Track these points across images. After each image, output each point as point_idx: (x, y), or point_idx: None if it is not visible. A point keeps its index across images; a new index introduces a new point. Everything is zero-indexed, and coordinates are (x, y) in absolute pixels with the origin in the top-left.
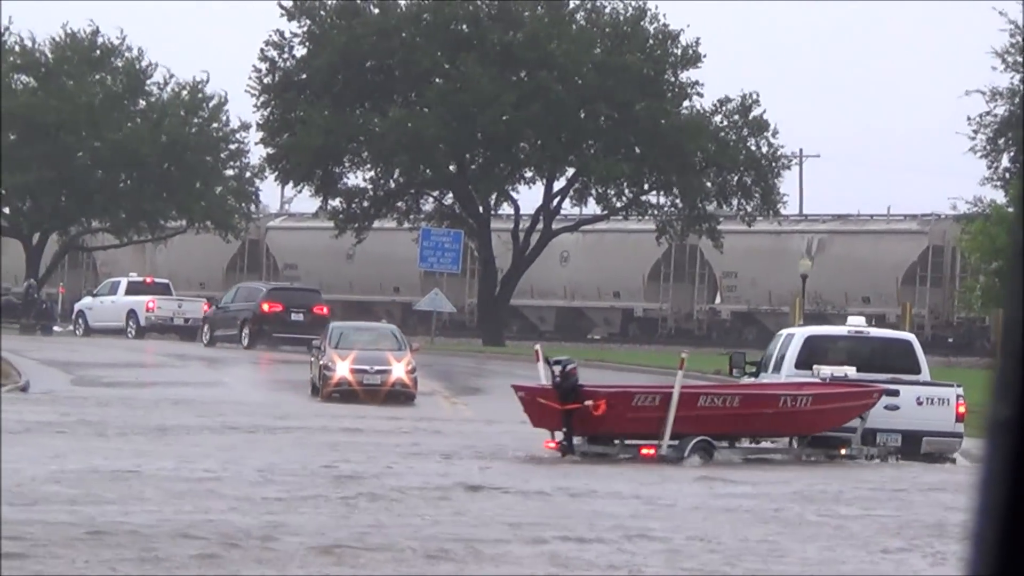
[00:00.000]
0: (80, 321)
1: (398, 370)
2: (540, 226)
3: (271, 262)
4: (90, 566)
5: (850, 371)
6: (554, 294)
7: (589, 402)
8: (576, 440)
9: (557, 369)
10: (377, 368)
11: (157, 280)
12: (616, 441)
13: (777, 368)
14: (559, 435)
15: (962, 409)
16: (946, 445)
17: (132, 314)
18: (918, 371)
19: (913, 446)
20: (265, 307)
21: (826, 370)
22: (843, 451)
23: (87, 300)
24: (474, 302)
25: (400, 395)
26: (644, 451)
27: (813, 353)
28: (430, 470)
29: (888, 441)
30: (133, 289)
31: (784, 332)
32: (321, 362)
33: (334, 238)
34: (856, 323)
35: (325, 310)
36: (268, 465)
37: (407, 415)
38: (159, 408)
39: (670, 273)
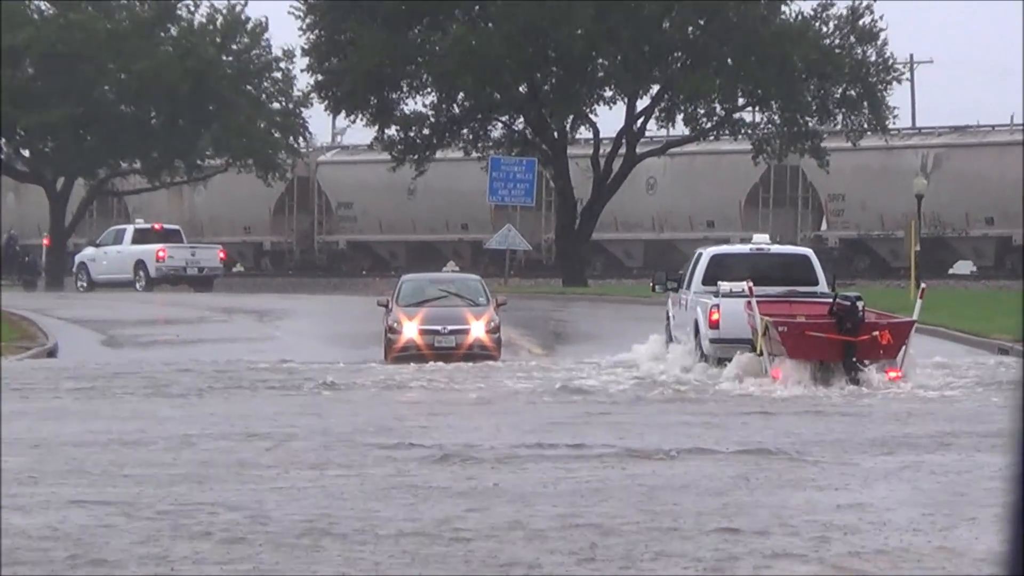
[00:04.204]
0: (82, 274)
1: (477, 329)
2: (623, 151)
3: (323, 201)
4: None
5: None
6: (641, 226)
7: (876, 333)
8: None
9: (847, 303)
10: (451, 328)
11: (167, 226)
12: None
13: (689, 285)
14: (782, 362)
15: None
16: None
17: (141, 265)
18: (815, 283)
19: None
20: None
21: (726, 285)
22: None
23: (89, 251)
24: (551, 238)
25: (479, 359)
26: (892, 374)
27: (719, 270)
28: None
29: None
30: (140, 237)
31: (698, 251)
32: (387, 322)
33: (392, 171)
34: (760, 240)
35: None
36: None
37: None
38: (218, 371)
39: (770, 198)
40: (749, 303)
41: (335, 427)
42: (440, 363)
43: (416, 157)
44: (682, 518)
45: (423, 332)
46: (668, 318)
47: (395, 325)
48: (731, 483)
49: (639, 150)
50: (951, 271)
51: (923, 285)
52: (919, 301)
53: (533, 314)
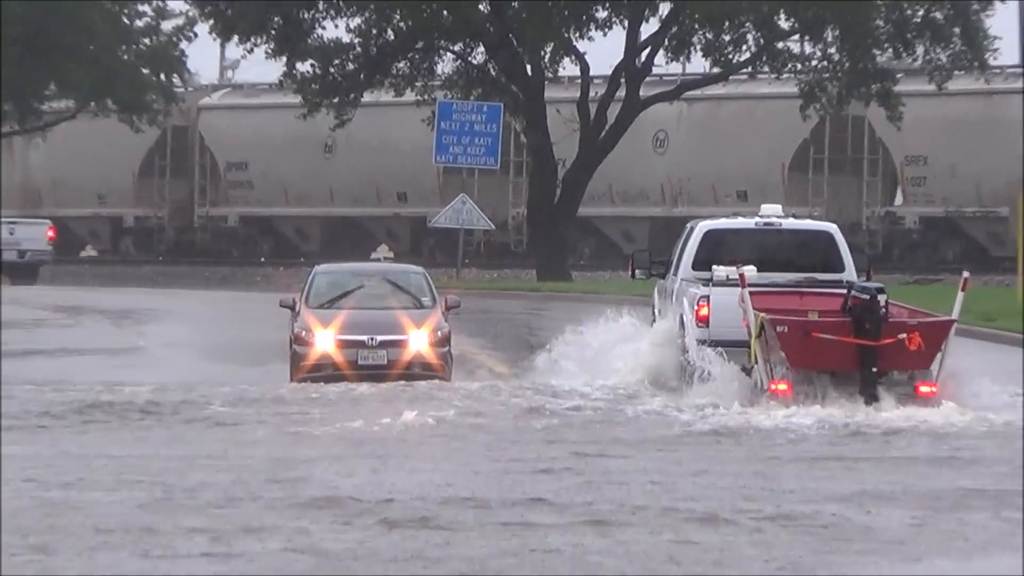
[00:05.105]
0: None
1: (417, 340)
2: (621, 94)
3: (207, 160)
4: None
5: (749, 270)
6: (646, 198)
7: (903, 335)
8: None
9: (865, 296)
10: (382, 339)
11: None
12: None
13: (676, 270)
14: (783, 374)
15: None
16: None
17: None
18: (840, 268)
19: None
20: None
21: (721, 271)
22: None
23: None
24: (522, 213)
25: (421, 380)
26: (924, 389)
27: (715, 250)
28: None
29: None
30: None
31: (689, 225)
32: (294, 329)
33: (303, 120)
34: (770, 211)
35: None
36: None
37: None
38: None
39: (824, 160)
40: (742, 295)
41: (221, 475)
42: (366, 386)
43: (336, 101)
44: None
45: (343, 344)
46: (654, 313)
47: (304, 334)
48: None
49: (644, 93)
50: None
51: (965, 275)
52: (960, 294)
53: (496, 319)
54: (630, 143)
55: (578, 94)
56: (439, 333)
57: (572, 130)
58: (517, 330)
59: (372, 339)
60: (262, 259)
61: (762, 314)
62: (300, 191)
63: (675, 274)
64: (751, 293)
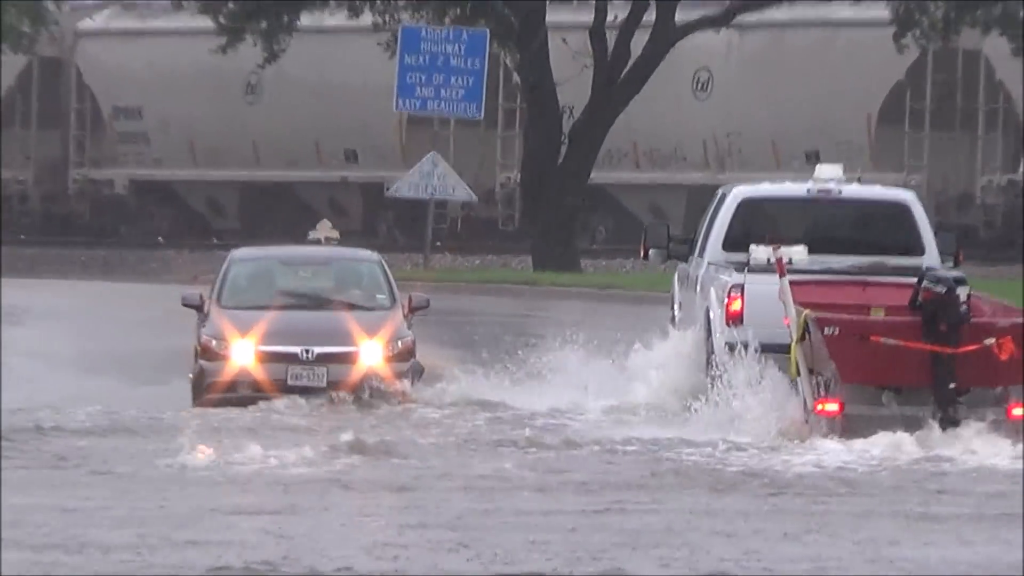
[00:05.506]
0: None
1: (370, 353)
2: (650, 18)
3: (88, 103)
4: None
5: (797, 252)
6: (682, 159)
7: (990, 340)
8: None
9: (939, 289)
10: (320, 351)
11: None
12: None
13: (702, 251)
14: (827, 390)
15: None
16: None
17: None
18: (919, 250)
19: None
20: None
21: (760, 252)
22: None
23: None
24: (515, 179)
25: (372, 405)
26: (1017, 412)
27: (753, 224)
28: None
29: None
30: None
31: (720, 191)
32: (201, 336)
33: (220, 53)
34: (828, 174)
35: None
36: None
37: None
38: None
39: (923, 111)
40: (782, 286)
41: (95, 530)
42: (294, 408)
43: (264, 27)
44: None
45: (267, 358)
46: (673, 308)
47: (214, 344)
48: None
49: (681, 18)
50: None
51: None
52: None
53: (477, 324)
54: (661, 85)
55: (591, 18)
56: (399, 343)
57: (584, 67)
58: (504, 339)
59: (307, 352)
60: (159, 239)
61: (806, 311)
62: (212, 147)
63: (700, 256)
64: (795, 283)
